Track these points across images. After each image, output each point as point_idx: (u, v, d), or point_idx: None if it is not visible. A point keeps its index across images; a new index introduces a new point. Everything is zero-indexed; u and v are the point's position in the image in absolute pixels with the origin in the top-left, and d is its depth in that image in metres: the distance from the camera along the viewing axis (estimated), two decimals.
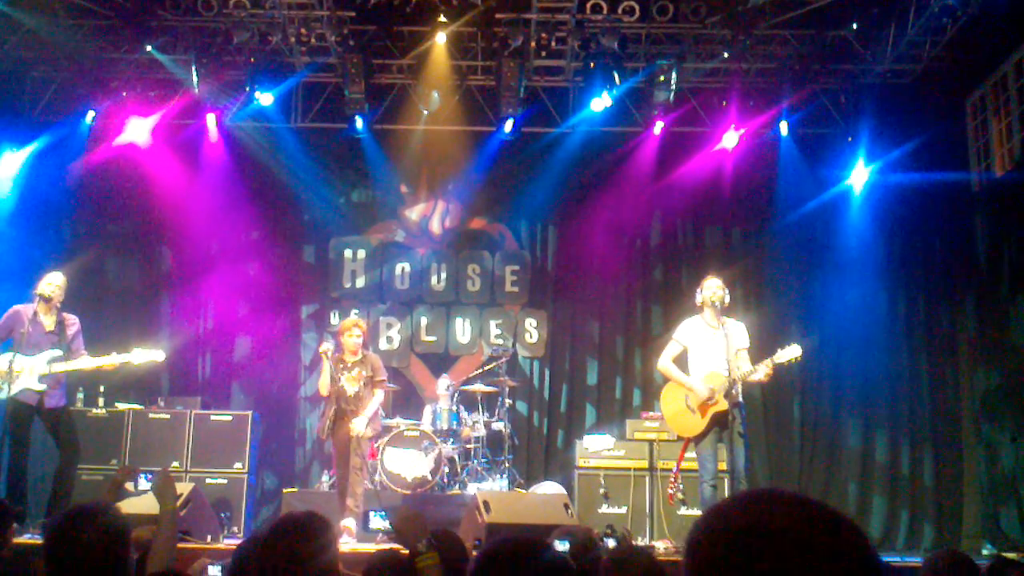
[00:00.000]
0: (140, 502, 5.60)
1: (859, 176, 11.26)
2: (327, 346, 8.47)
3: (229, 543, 8.24)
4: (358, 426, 8.34)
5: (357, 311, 11.39)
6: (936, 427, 11.04)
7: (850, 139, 11.25)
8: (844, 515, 1.31)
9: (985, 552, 9.49)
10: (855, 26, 10.50)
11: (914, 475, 11.00)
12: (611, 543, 6.63)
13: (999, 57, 10.44)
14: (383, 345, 11.51)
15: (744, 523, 1.29)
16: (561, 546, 4.47)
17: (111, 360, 8.06)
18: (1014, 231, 10.31)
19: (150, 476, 4.96)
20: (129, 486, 4.70)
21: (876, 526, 10.84)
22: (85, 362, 8.07)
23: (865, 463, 11.13)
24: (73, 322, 8.23)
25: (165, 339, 10.80)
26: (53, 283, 8.09)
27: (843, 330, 11.09)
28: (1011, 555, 7.70)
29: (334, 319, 11.60)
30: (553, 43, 10.63)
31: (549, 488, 9.69)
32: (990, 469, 10.39)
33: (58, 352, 8.03)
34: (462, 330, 11.77)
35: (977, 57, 10.67)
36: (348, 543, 7.86)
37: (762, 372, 7.46)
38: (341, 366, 8.50)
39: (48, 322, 8.07)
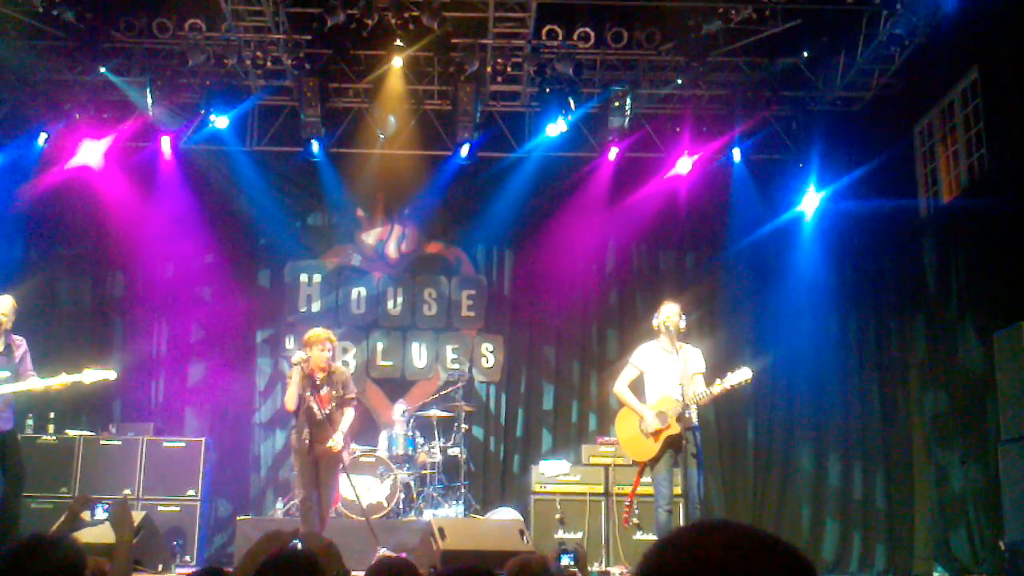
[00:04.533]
0: (93, 532, 5.52)
1: (810, 202, 11.42)
2: (300, 356, 7.99)
3: (181, 572, 8.14)
4: (337, 441, 7.98)
5: None
6: (887, 450, 11.16)
7: (801, 165, 11.40)
8: (792, 546, 1.33)
9: (936, 574, 9.60)
10: (806, 54, 10.65)
11: (866, 498, 11.11)
12: (566, 560, 6.61)
13: (946, 86, 10.65)
14: None
15: (692, 554, 1.31)
16: None
17: (61, 380, 7.88)
18: (961, 256, 10.47)
19: (107, 506, 4.88)
20: (85, 515, 4.61)
21: (829, 549, 10.92)
22: (34, 383, 7.90)
23: (818, 486, 11.22)
24: (20, 343, 8.08)
25: (117, 364, 10.62)
26: (1, 308, 7.93)
27: (796, 354, 11.20)
28: None
29: (289, 344, 11.54)
30: (509, 68, 10.69)
31: (505, 514, 9.67)
32: (940, 492, 10.50)
33: (7, 373, 7.88)
34: (418, 355, 11.74)
35: (925, 86, 10.87)
36: None
37: (715, 392, 7.52)
38: (308, 383, 8.02)
39: None
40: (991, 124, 9.84)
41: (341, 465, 8.29)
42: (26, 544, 2.82)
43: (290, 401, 8.04)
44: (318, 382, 8.06)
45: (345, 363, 11.37)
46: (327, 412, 8.00)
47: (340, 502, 9.33)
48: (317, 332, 8.22)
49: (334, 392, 8.12)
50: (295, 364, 8.01)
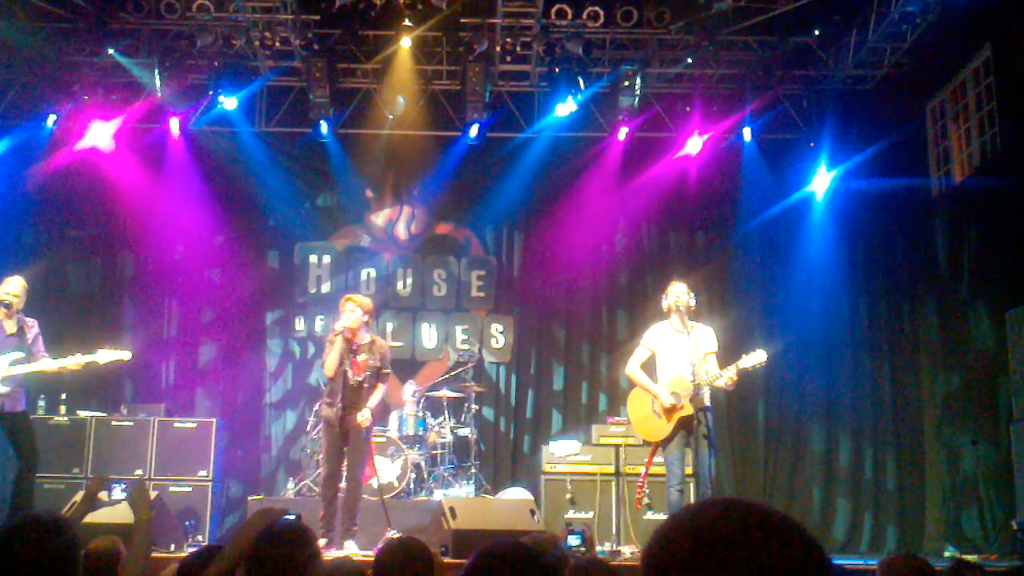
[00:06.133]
0: (110, 511, 5.54)
1: (821, 181, 11.36)
2: (341, 323, 7.92)
3: (190, 552, 8.16)
4: (365, 416, 7.94)
5: (323, 317, 11.38)
6: (898, 430, 11.15)
7: (812, 145, 11.34)
8: (798, 523, 1.32)
9: (947, 554, 9.58)
10: (817, 33, 10.60)
11: (877, 478, 11.11)
12: (574, 540, 6.63)
13: (958, 64, 10.58)
14: None
15: (698, 530, 1.30)
16: None
17: (76, 361, 7.89)
18: (974, 236, 10.43)
19: (124, 486, 4.90)
20: (102, 495, 4.62)
21: (840, 529, 10.93)
22: (47, 364, 7.91)
23: (829, 467, 11.22)
24: (32, 325, 8.09)
25: (128, 345, 10.65)
26: (10, 292, 7.93)
27: (806, 334, 11.17)
28: (971, 557, 7.80)
29: (299, 325, 11.58)
30: (518, 48, 10.62)
31: (516, 494, 9.68)
32: (952, 472, 10.49)
33: (20, 354, 7.89)
34: (428, 336, 11.74)
35: (936, 64, 10.81)
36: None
37: (727, 377, 7.47)
38: (346, 348, 7.97)
39: (9, 326, 7.94)
40: (1004, 103, 9.78)
41: (369, 441, 8.25)
42: (18, 527, 2.73)
43: (329, 368, 7.96)
44: (355, 347, 8.01)
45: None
46: (360, 379, 7.97)
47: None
48: (346, 296, 8.24)
49: (371, 361, 8.05)
50: (337, 332, 7.97)
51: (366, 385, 8.04)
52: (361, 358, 8.02)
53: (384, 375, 8.22)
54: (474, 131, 11.17)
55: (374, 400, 8.11)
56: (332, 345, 7.99)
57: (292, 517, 3.18)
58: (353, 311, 7.97)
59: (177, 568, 3.73)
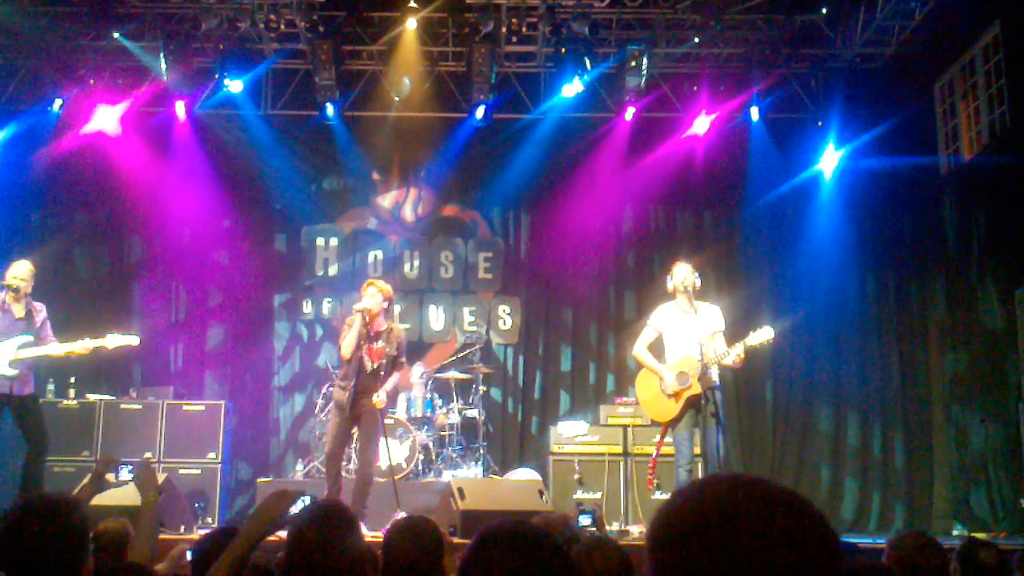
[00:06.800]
0: (118, 493, 5.53)
1: (829, 160, 11.31)
2: (362, 304, 7.84)
3: (203, 533, 8.20)
4: (381, 398, 7.86)
5: (330, 300, 11.39)
6: (907, 409, 11.14)
7: (820, 124, 11.30)
8: (803, 497, 1.32)
9: (955, 532, 9.60)
10: (824, 11, 10.53)
11: (885, 457, 11.10)
12: (585, 519, 6.64)
13: (967, 42, 10.50)
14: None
15: (702, 505, 1.30)
16: None
17: (84, 345, 7.90)
18: (982, 214, 10.38)
19: (132, 467, 4.89)
20: (110, 477, 4.62)
21: (848, 508, 10.94)
22: (55, 348, 7.93)
23: (837, 446, 11.22)
24: (40, 309, 8.10)
25: (136, 329, 10.68)
26: (18, 276, 7.94)
27: (814, 314, 11.15)
28: (980, 535, 7.80)
29: (307, 308, 11.60)
30: (524, 29, 10.56)
31: (524, 474, 9.71)
32: (960, 451, 10.48)
33: (28, 338, 7.91)
34: (435, 317, 11.75)
35: (945, 42, 10.73)
36: None
37: (734, 355, 7.47)
38: (364, 333, 7.88)
39: (18, 310, 7.95)
40: (1013, 80, 9.71)
41: (381, 425, 8.23)
42: (28, 508, 2.71)
43: (346, 349, 7.87)
44: (373, 334, 7.96)
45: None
46: (376, 366, 7.93)
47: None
48: (369, 280, 8.21)
49: (387, 349, 8.00)
50: (356, 311, 7.88)
51: (381, 372, 7.98)
52: (378, 345, 7.97)
53: (400, 363, 8.17)
54: (480, 112, 11.14)
55: (389, 384, 8.07)
56: (350, 327, 7.94)
57: (308, 499, 3.18)
58: (374, 295, 7.92)
59: (191, 549, 3.74)
